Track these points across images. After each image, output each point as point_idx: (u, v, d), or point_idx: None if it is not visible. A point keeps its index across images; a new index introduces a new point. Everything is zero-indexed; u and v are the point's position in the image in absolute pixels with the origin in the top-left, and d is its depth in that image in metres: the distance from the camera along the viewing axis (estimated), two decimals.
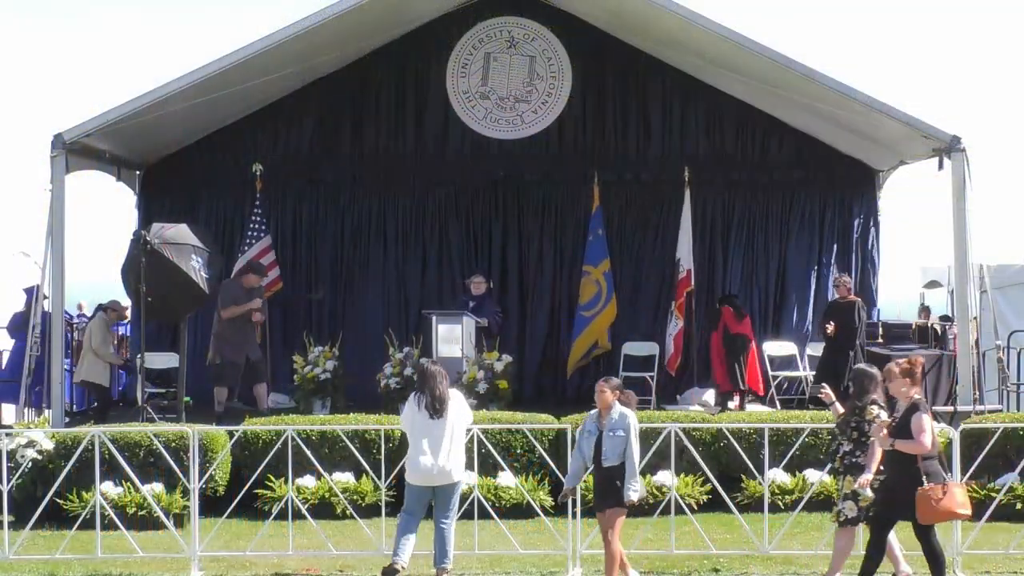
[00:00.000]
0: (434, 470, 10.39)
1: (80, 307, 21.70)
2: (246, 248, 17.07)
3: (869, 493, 9.84)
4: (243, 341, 15.73)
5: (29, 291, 16.15)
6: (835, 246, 18.31)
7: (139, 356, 14.80)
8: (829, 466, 10.31)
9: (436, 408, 10.44)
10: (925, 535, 9.63)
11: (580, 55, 18.10)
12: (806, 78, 14.87)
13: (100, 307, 16.19)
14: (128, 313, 16.55)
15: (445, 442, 10.41)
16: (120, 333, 18.19)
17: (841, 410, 10.25)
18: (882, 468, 9.80)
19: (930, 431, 9.52)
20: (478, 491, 11.75)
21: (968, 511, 9.70)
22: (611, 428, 10.11)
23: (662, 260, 18.06)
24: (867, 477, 9.77)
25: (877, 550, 9.76)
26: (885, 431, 9.60)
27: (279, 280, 17.46)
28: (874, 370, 10.21)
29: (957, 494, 9.56)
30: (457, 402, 10.66)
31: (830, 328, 15.86)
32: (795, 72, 14.89)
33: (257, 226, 17.15)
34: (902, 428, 9.57)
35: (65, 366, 14.68)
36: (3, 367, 17.19)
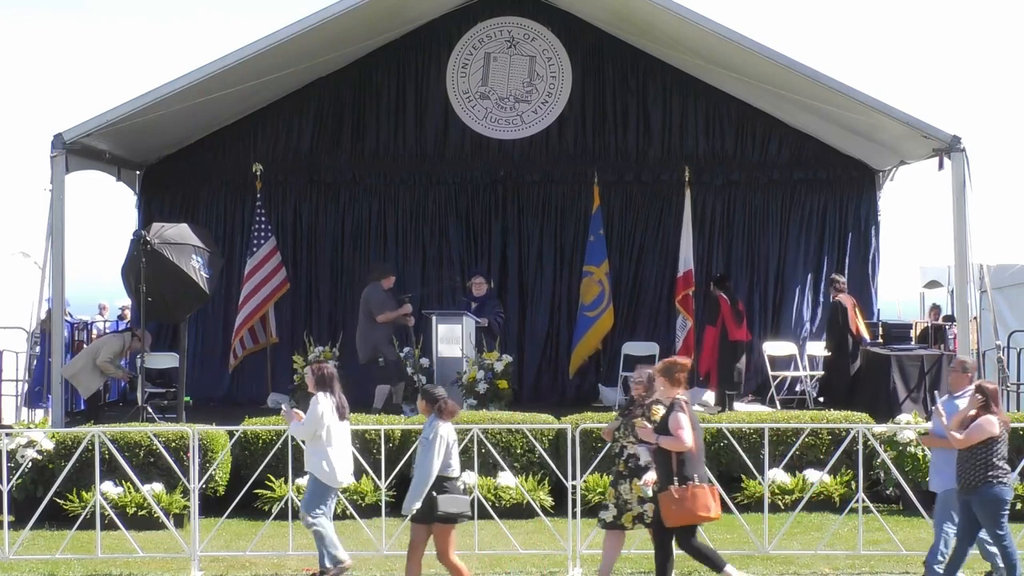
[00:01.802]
0: (351, 471, 10.58)
1: (102, 309, 21.41)
2: (254, 250, 17.01)
3: (650, 493, 9.72)
4: (388, 336, 15.96)
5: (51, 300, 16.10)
6: (835, 246, 18.32)
7: (139, 356, 14.80)
8: (613, 469, 9.97)
9: (343, 410, 10.48)
10: (686, 539, 9.50)
11: (580, 55, 18.11)
12: (806, 78, 14.86)
13: (129, 329, 16.05)
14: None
15: (350, 444, 10.60)
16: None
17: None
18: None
19: (688, 428, 9.39)
20: (478, 491, 11.76)
21: (712, 513, 9.47)
22: (422, 437, 9.89)
23: (662, 260, 18.07)
24: (650, 477, 9.68)
25: (664, 552, 9.60)
26: (648, 427, 9.53)
27: (286, 282, 17.46)
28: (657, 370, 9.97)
29: (700, 496, 9.37)
30: None
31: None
32: (795, 72, 14.89)
33: (261, 228, 17.12)
34: (664, 428, 9.49)
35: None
36: (31, 375, 17.13)
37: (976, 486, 9.56)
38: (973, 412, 9.64)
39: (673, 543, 9.64)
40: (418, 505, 9.60)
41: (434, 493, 9.55)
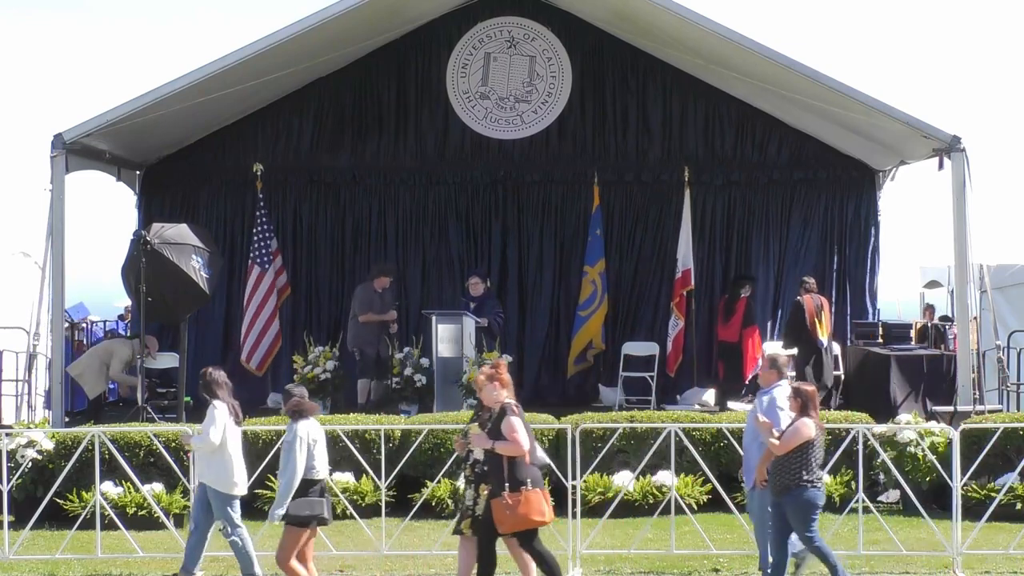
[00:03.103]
0: (246, 479, 10.43)
1: (125, 314, 21.09)
2: (257, 252, 16.95)
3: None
4: (376, 339, 16.11)
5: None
6: (835, 246, 18.32)
7: (139, 356, 14.79)
8: (461, 475, 9.82)
9: (238, 416, 10.30)
10: (527, 543, 9.37)
11: (580, 55, 18.11)
12: (806, 78, 14.87)
13: (137, 335, 16.02)
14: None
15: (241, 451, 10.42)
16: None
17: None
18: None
19: (523, 431, 9.28)
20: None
21: (546, 518, 9.34)
22: (283, 439, 9.72)
23: (662, 260, 18.08)
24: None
25: (487, 559, 9.45)
26: (481, 432, 9.35)
27: (288, 286, 17.46)
28: (489, 371, 9.67)
29: (534, 501, 9.23)
30: None
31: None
32: (795, 72, 14.89)
33: (263, 230, 17.08)
34: (496, 432, 9.31)
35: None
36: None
37: (789, 488, 9.54)
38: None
39: (496, 550, 9.44)
40: (281, 512, 9.48)
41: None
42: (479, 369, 9.87)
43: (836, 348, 17.28)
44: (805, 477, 9.52)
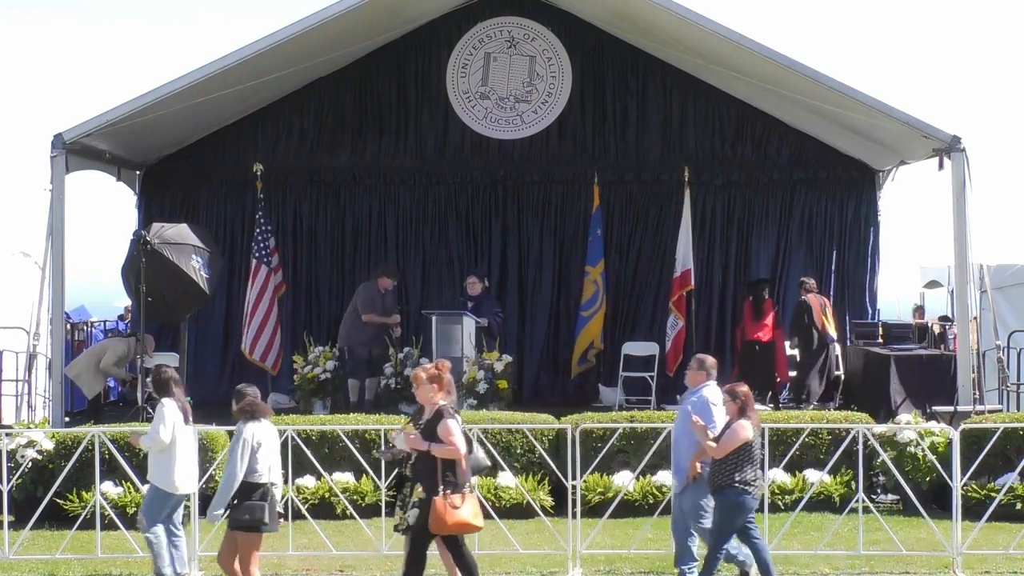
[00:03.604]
0: (196, 479, 10.36)
1: (125, 314, 21.10)
2: (259, 251, 16.94)
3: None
4: (370, 337, 16.09)
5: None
6: (835, 246, 18.32)
7: (139, 356, 14.79)
8: (396, 471, 9.65)
9: (187, 414, 10.24)
10: (454, 547, 9.31)
11: (580, 55, 18.11)
12: (806, 78, 14.87)
13: (133, 334, 16.02)
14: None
15: (195, 451, 10.35)
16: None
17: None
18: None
19: (459, 434, 9.18)
20: (478, 491, 11.75)
21: (479, 522, 9.28)
22: (232, 439, 9.65)
23: (662, 260, 18.08)
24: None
25: (417, 562, 9.35)
26: (416, 434, 9.21)
27: (283, 283, 17.47)
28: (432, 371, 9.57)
29: (471, 504, 9.16)
30: None
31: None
32: (795, 72, 14.89)
33: (264, 229, 17.07)
34: (430, 433, 9.19)
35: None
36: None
37: (722, 488, 9.53)
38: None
39: (426, 551, 9.36)
40: (220, 512, 9.40)
41: (233, 500, 9.34)
42: (421, 367, 9.72)
43: (836, 348, 17.28)
44: (738, 479, 9.49)
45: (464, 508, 9.13)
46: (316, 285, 18.27)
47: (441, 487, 9.09)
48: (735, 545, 9.85)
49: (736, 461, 9.48)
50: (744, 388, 9.75)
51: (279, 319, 16.95)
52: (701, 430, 9.60)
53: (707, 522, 9.76)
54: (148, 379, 15.11)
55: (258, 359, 16.76)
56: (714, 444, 9.51)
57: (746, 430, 9.49)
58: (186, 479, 10.16)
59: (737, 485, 9.47)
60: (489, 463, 10.15)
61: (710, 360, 10.20)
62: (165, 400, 10.08)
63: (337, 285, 18.22)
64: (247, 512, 9.38)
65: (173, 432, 9.99)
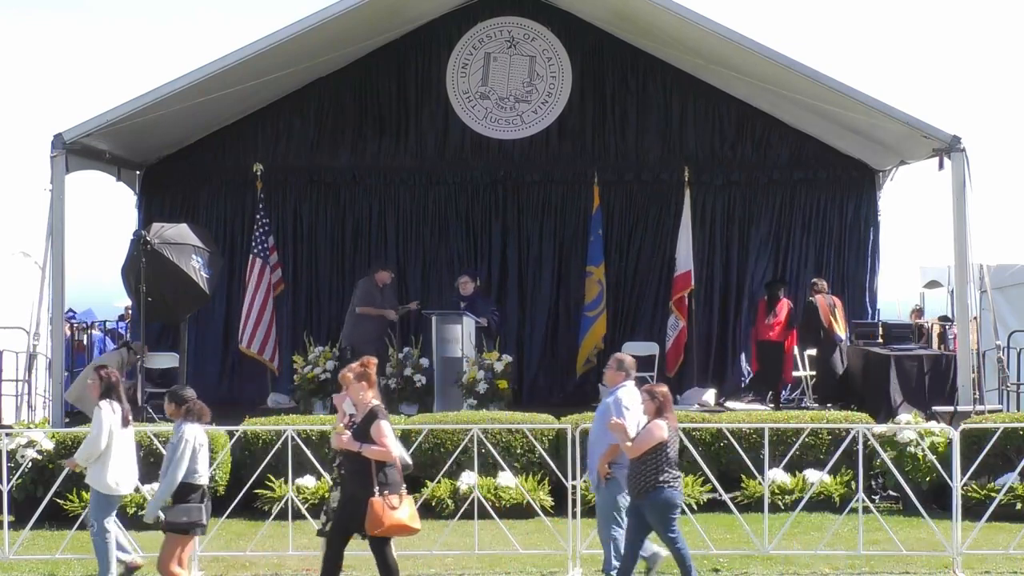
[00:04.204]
0: (135, 479, 10.37)
1: (126, 314, 21.06)
2: (258, 250, 16.93)
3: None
4: (374, 335, 16.11)
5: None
6: (835, 246, 18.33)
7: (139, 356, 14.79)
8: (328, 476, 9.63)
9: (128, 418, 10.24)
10: (379, 548, 9.28)
11: (580, 55, 18.11)
12: (806, 78, 14.87)
13: (125, 343, 16.04)
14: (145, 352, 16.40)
15: (133, 452, 10.35)
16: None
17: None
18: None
19: (392, 436, 9.20)
20: (478, 491, 11.77)
21: (416, 524, 9.28)
22: (169, 440, 9.65)
23: (662, 260, 18.08)
24: None
25: (334, 564, 9.35)
26: (348, 435, 9.21)
27: (282, 282, 17.47)
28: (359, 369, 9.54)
29: (408, 506, 9.18)
30: None
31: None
32: (795, 72, 14.89)
33: (263, 228, 17.07)
34: (362, 434, 9.20)
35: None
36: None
37: (647, 490, 9.54)
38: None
39: (343, 551, 9.40)
40: (159, 513, 9.42)
41: (169, 500, 9.37)
42: (347, 366, 9.65)
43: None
44: (661, 478, 9.51)
45: (402, 509, 9.14)
46: (316, 285, 18.27)
47: (376, 488, 9.07)
48: (647, 544, 9.91)
49: (655, 462, 9.53)
50: (663, 388, 9.81)
51: (275, 314, 16.94)
52: (620, 430, 9.64)
53: (620, 530, 9.85)
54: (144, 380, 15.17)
55: (256, 353, 16.75)
56: (631, 444, 9.56)
57: (661, 430, 9.54)
58: (124, 479, 10.17)
59: (660, 484, 9.52)
60: (411, 462, 10.04)
61: (629, 360, 10.29)
62: (102, 403, 10.09)
63: (337, 285, 18.22)
64: (184, 514, 9.42)
65: (109, 437, 10.00)
